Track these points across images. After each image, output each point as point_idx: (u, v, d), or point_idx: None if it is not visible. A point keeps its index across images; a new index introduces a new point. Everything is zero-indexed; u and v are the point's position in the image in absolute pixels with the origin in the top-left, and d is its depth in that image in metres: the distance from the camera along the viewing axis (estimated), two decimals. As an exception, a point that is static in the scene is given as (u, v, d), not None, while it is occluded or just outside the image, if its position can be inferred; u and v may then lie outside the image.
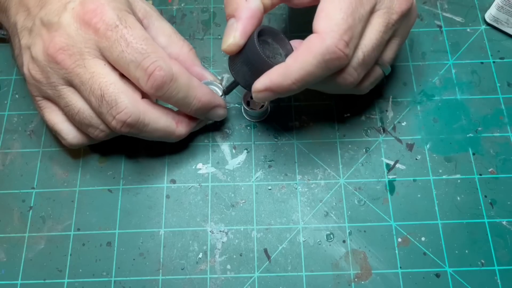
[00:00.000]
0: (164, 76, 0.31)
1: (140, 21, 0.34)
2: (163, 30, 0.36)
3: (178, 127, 0.35)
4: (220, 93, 0.37)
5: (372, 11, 0.31)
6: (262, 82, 0.31)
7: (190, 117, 0.36)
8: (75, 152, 0.39)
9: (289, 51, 0.33)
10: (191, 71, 0.36)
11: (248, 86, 0.33)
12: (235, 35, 0.31)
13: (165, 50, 0.36)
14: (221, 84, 0.38)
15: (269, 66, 0.31)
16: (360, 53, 0.31)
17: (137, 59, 0.30)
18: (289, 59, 0.30)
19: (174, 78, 0.31)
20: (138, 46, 0.30)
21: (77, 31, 0.31)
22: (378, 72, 0.34)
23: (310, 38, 0.30)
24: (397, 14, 0.31)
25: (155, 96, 0.32)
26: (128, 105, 0.31)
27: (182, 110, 0.34)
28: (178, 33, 0.37)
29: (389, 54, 0.34)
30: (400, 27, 0.33)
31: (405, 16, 0.32)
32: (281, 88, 0.30)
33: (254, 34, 0.31)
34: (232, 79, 0.36)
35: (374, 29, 0.31)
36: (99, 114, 0.32)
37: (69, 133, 0.34)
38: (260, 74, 0.31)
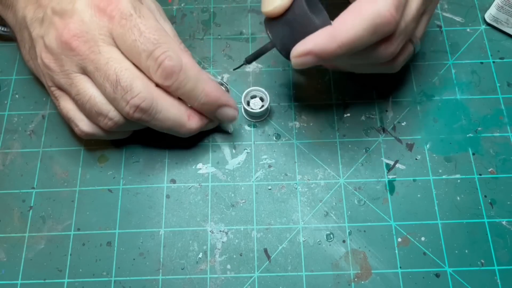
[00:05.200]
0: (173, 66, 0.31)
1: None
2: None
3: (190, 120, 0.35)
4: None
5: None
6: (305, 45, 0.30)
7: (202, 114, 0.36)
8: (75, 152, 0.39)
9: (325, 22, 0.31)
10: None
11: (284, 50, 0.32)
12: None
13: None
14: (221, 83, 0.38)
15: (314, 28, 0.30)
16: (402, 23, 0.31)
17: (149, 49, 0.31)
18: (336, 22, 0.30)
19: (184, 69, 0.32)
20: (150, 36, 0.31)
21: (91, 17, 0.31)
22: (410, 48, 0.34)
23: (361, 1, 0.29)
24: None
25: (164, 85, 0.32)
26: (143, 90, 0.32)
27: (189, 103, 0.34)
28: (177, 35, 0.37)
29: (420, 29, 0.34)
30: (431, 3, 0.33)
31: None
32: (325, 52, 0.30)
33: None
34: (261, 44, 0.34)
35: (415, 0, 0.31)
36: (112, 100, 0.32)
37: (82, 120, 0.35)
38: (301, 35, 0.30)
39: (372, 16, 0.29)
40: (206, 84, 0.33)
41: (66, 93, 0.34)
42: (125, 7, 0.31)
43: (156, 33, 0.31)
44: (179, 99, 0.34)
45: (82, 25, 0.31)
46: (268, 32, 0.32)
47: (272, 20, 0.32)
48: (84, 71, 0.32)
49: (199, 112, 0.35)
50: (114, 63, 0.31)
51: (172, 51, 0.31)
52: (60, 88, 0.34)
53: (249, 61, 0.35)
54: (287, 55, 0.32)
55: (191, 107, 0.35)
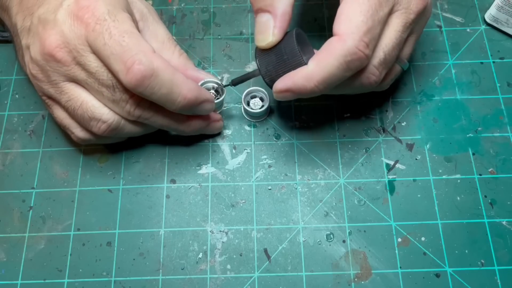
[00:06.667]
0: (143, 71, 0.29)
1: (136, 22, 0.34)
2: (157, 36, 0.36)
3: (190, 117, 0.35)
4: (219, 90, 0.37)
5: (390, 12, 0.32)
6: (285, 83, 0.32)
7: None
8: (75, 152, 0.39)
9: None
10: (185, 75, 0.36)
11: (267, 76, 0.33)
12: (274, 32, 0.32)
13: None
14: (220, 82, 0.38)
15: (298, 63, 0.32)
16: (381, 53, 0.32)
17: (117, 52, 0.30)
18: (311, 62, 0.31)
19: (155, 74, 0.30)
20: (120, 39, 0.30)
21: (70, 27, 0.31)
22: (397, 69, 0.36)
23: (331, 40, 0.31)
24: (414, 13, 0.32)
25: (136, 92, 0.31)
26: None
27: (167, 108, 0.33)
28: (172, 38, 0.37)
29: (406, 51, 0.35)
30: (416, 25, 0.34)
31: (422, 15, 0.33)
32: (304, 90, 0.31)
33: (294, 32, 0.32)
34: (245, 71, 0.35)
35: (393, 30, 0.32)
36: (111, 102, 0.32)
37: (77, 126, 0.34)
38: (285, 67, 0.32)
39: (342, 54, 0.30)
40: (183, 86, 0.32)
41: (56, 102, 0.34)
42: (101, 13, 0.30)
43: (126, 36, 0.30)
44: None
45: (62, 36, 0.31)
46: (257, 61, 0.34)
47: (262, 52, 0.33)
48: (74, 80, 0.32)
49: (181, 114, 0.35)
50: (105, 70, 0.31)
51: (142, 55, 0.30)
52: (50, 97, 0.34)
53: (235, 83, 0.36)
54: (272, 84, 0.33)
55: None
